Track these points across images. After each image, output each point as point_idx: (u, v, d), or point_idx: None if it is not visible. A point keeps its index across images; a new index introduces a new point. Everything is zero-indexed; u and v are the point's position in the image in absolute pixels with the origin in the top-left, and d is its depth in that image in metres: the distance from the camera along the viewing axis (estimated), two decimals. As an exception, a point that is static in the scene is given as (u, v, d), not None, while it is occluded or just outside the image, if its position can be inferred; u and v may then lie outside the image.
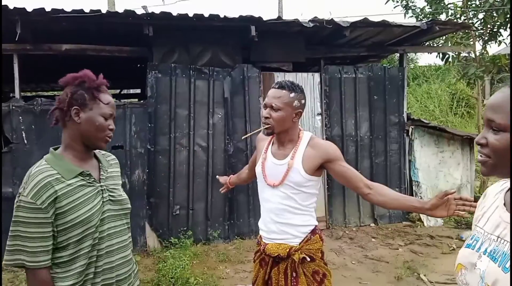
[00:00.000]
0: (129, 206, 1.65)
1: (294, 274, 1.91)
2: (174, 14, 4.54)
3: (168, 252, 4.59)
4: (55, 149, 1.55)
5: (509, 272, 0.95)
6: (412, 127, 5.98)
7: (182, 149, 5.08)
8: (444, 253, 4.69)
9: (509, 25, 6.32)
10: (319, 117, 5.66)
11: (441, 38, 7.06)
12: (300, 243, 1.95)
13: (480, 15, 6.67)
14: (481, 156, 1.07)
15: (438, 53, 6.76)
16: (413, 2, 7.71)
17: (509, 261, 0.96)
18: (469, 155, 6.22)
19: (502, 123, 1.00)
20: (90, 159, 1.57)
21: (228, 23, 4.81)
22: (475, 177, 6.56)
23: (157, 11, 4.57)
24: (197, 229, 5.08)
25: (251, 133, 2.19)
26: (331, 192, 5.64)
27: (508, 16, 6.15)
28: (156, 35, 4.67)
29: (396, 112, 5.90)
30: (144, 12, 5.22)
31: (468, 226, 5.59)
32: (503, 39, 6.78)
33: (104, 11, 4.40)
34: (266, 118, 1.94)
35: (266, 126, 1.95)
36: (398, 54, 6.26)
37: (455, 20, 6.50)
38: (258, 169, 2.08)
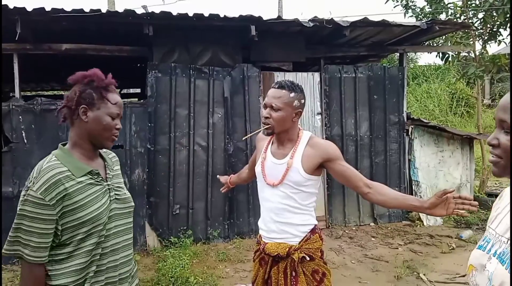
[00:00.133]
0: (133, 204, 1.66)
1: (293, 273, 1.92)
2: (174, 13, 4.54)
3: (168, 251, 4.60)
4: (63, 145, 1.55)
5: (510, 270, 0.96)
6: (412, 126, 5.98)
7: (182, 149, 5.08)
8: (444, 252, 4.69)
9: (509, 25, 6.33)
10: (319, 117, 5.67)
11: (441, 37, 7.07)
12: (299, 243, 1.95)
13: (480, 15, 6.68)
14: (492, 156, 1.06)
15: (438, 53, 6.77)
16: (413, 2, 7.71)
17: None
18: (468, 154, 6.23)
19: None
20: (96, 157, 1.58)
21: (228, 23, 4.81)
22: (474, 177, 6.57)
23: (157, 11, 4.57)
24: (197, 229, 5.08)
25: (251, 134, 2.19)
26: (331, 192, 5.65)
27: (508, 15, 6.16)
28: (156, 34, 4.68)
29: (396, 111, 5.91)
30: (144, 11, 5.23)
31: (468, 225, 5.60)
32: (503, 39, 6.79)
33: (104, 10, 4.40)
34: (266, 118, 1.94)
35: (266, 126, 1.95)
36: (398, 54, 6.26)
37: (455, 20, 6.50)
38: (257, 168, 2.09)
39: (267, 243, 2.01)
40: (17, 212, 1.38)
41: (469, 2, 6.83)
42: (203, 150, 5.15)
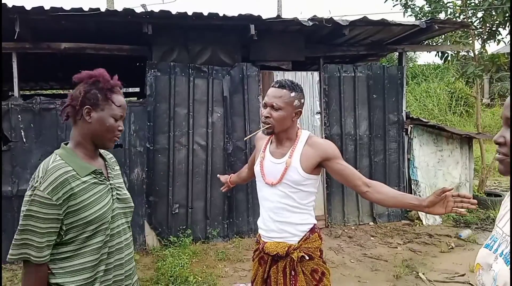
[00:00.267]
0: (133, 205, 1.67)
1: (293, 273, 1.91)
2: (173, 12, 4.53)
3: (167, 250, 4.60)
4: (65, 144, 1.55)
5: (509, 269, 0.95)
6: (411, 126, 5.98)
7: (181, 148, 5.08)
8: (443, 251, 4.70)
9: (508, 24, 6.33)
10: (318, 116, 5.67)
11: (440, 37, 7.06)
12: (299, 242, 1.95)
13: (479, 14, 6.68)
14: (499, 154, 1.06)
15: (437, 52, 6.77)
16: (412, 1, 7.70)
17: None
18: (468, 154, 6.24)
19: None
20: (97, 157, 1.59)
21: (227, 22, 4.81)
22: (473, 176, 6.58)
23: (156, 10, 4.57)
24: (196, 228, 5.08)
25: (252, 134, 2.19)
26: (330, 191, 5.65)
27: (507, 15, 6.16)
28: (155, 33, 4.67)
29: (395, 111, 5.91)
30: (143, 10, 5.23)
31: (467, 225, 5.61)
32: (502, 38, 6.79)
33: (103, 9, 4.40)
34: (267, 117, 1.93)
35: (267, 126, 1.95)
36: (397, 53, 6.26)
37: (454, 19, 6.50)
38: (256, 168, 2.08)
39: (266, 242, 2.01)
40: (23, 214, 1.37)
41: (468, 1, 6.83)
42: (202, 149, 5.15)
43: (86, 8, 4.30)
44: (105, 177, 1.54)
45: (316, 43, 5.80)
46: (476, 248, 4.78)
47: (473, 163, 6.38)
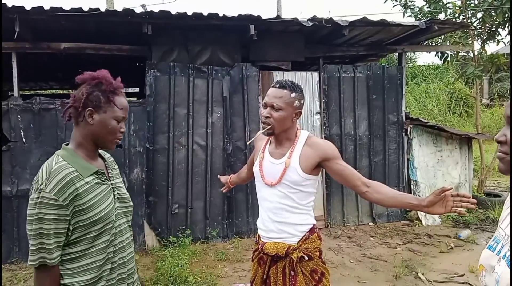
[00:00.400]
0: (132, 204, 1.68)
1: (292, 273, 1.91)
2: (173, 12, 4.53)
3: (167, 250, 4.60)
4: (66, 145, 1.55)
5: (510, 268, 0.95)
6: (411, 126, 5.99)
7: (181, 148, 5.08)
8: (442, 252, 4.70)
9: (508, 24, 6.33)
10: (318, 116, 5.67)
11: (439, 37, 7.07)
12: (298, 242, 1.95)
13: (479, 15, 6.68)
14: (500, 153, 1.07)
15: (437, 52, 6.77)
16: (412, 1, 7.70)
17: None
18: (467, 154, 6.24)
19: None
20: (97, 157, 1.60)
21: (227, 22, 4.81)
22: (473, 176, 6.58)
23: (156, 10, 4.57)
24: (195, 228, 5.08)
25: (255, 137, 2.18)
26: (329, 191, 5.65)
27: (507, 15, 6.16)
28: (155, 34, 4.67)
29: (395, 111, 5.91)
30: (143, 10, 5.23)
31: (466, 225, 5.61)
32: (502, 39, 6.79)
33: (103, 9, 4.40)
34: (267, 117, 1.93)
35: (267, 127, 1.94)
36: (397, 53, 6.27)
37: (454, 20, 6.51)
38: (255, 168, 2.08)
39: (266, 242, 2.01)
40: (34, 218, 1.35)
41: (468, 2, 6.83)
42: (202, 150, 5.15)
43: (86, 8, 4.30)
44: (106, 177, 1.55)
45: (316, 44, 5.80)
46: (475, 248, 4.79)
47: (472, 163, 6.39)
